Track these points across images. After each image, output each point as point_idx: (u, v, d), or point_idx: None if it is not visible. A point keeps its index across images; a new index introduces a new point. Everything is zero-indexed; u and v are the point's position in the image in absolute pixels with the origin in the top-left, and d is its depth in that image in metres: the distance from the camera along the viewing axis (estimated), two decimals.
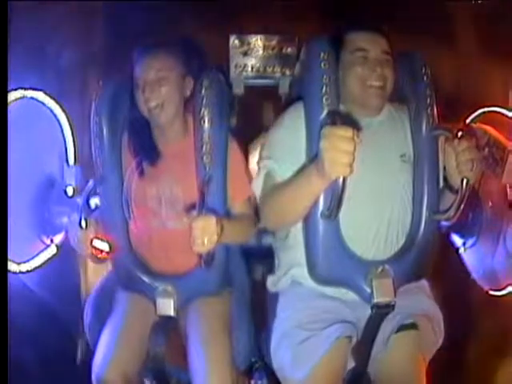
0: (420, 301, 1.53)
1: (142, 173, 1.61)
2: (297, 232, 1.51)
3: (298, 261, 1.51)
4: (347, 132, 1.16)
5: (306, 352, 1.41)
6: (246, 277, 1.82)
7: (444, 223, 1.59)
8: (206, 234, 1.35)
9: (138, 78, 1.55)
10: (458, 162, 1.34)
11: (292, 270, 1.54)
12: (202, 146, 1.55)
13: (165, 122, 1.59)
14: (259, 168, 1.52)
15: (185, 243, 1.40)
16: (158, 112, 1.55)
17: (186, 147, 1.60)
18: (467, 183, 1.35)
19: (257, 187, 1.52)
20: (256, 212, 1.60)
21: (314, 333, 1.42)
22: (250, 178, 1.62)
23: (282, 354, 1.48)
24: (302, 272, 1.50)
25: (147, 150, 1.62)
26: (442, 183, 1.49)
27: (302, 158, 1.45)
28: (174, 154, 1.62)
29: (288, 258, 1.57)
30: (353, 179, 1.23)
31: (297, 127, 1.47)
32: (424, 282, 1.58)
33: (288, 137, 1.49)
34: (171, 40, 1.66)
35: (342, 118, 1.21)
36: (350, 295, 1.48)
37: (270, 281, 1.64)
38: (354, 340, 1.45)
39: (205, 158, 1.54)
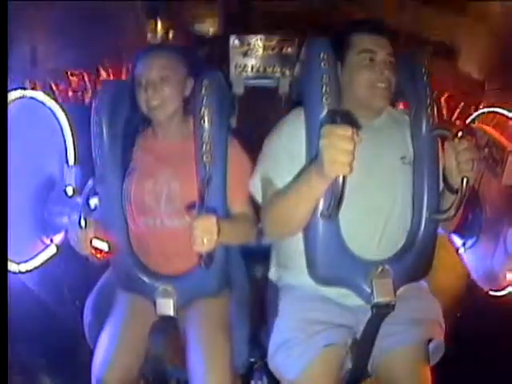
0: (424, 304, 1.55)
1: (140, 169, 1.61)
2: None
3: (297, 262, 1.50)
4: (347, 131, 1.15)
5: (296, 355, 1.42)
6: (245, 277, 1.81)
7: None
8: (206, 233, 1.35)
9: (141, 75, 1.55)
10: (458, 162, 1.34)
11: (292, 273, 1.55)
12: (202, 146, 1.55)
13: (163, 120, 1.59)
14: (258, 179, 1.51)
15: (183, 244, 1.40)
16: (158, 111, 1.56)
17: (186, 145, 1.60)
18: (467, 183, 1.35)
19: (257, 196, 1.52)
20: (256, 212, 1.59)
21: (307, 336, 1.43)
22: (250, 178, 1.60)
23: (278, 355, 1.48)
24: (302, 277, 1.50)
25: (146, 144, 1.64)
26: (441, 183, 1.49)
27: (302, 165, 1.42)
28: (174, 152, 1.62)
29: (287, 257, 1.57)
30: (353, 180, 1.22)
31: (297, 134, 1.45)
32: (422, 282, 1.59)
33: (288, 145, 1.46)
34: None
35: (342, 117, 1.19)
36: (351, 299, 1.48)
37: (272, 272, 1.66)
38: (350, 342, 1.46)
39: (205, 157, 1.54)
